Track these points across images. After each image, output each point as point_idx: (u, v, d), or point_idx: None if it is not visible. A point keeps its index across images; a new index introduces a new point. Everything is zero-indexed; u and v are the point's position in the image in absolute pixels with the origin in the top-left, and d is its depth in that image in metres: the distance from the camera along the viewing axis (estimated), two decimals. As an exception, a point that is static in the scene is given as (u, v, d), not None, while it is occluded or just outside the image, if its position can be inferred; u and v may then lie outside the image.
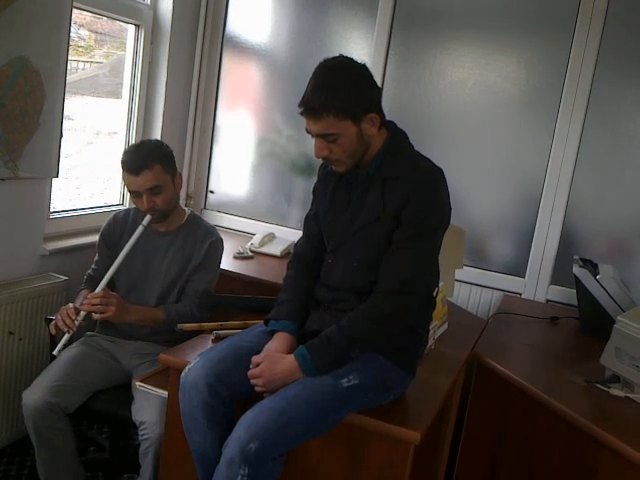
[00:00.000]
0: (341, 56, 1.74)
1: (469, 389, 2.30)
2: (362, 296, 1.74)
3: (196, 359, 1.72)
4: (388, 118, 1.80)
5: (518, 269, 3.02)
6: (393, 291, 1.69)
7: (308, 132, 1.72)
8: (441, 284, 2.14)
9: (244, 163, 3.54)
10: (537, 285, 2.97)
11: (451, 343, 2.25)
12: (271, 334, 1.79)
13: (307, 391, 1.62)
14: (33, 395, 2.03)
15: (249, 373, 1.68)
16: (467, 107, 3.06)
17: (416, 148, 1.82)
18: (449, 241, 1.92)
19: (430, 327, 1.94)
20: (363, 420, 1.65)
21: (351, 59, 1.73)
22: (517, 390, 2.02)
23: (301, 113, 1.69)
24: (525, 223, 3.01)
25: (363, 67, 1.73)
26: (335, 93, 1.65)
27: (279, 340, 1.75)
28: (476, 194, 3.09)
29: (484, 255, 3.09)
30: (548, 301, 2.96)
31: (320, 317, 1.80)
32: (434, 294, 1.88)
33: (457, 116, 3.08)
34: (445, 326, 2.38)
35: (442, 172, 1.76)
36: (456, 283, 2.79)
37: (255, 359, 1.70)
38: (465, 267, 2.80)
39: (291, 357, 1.67)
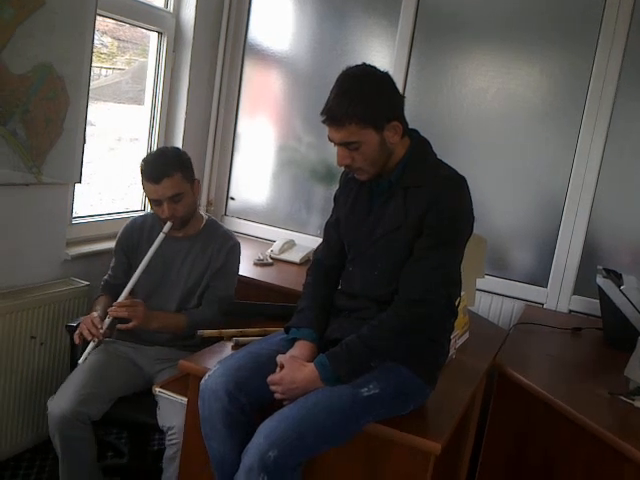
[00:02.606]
0: (364, 64, 1.73)
1: (490, 399, 2.27)
2: (383, 305, 1.73)
3: (216, 366, 1.72)
4: (410, 126, 1.79)
5: (540, 279, 2.99)
6: (414, 301, 1.67)
7: (331, 140, 1.71)
8: (463, 293, 2.12)
9: (264, 170, 3.55)
10: (559, 295, 2.94)
11: (472, 353, 2.23)
12: (292, 342, 1.79)
13: (327, 400, 1.61)
14: (59, 404, 2.03)
15: (269, 379, 1.67)
16: (489, 115, 3.05)
17: (438, 156, 1.81)
18: (471, 250, 1.90)
19: (451, 336, 1.92)
20: (382, 430, 1.64)
21: (374, 67, 1.72)
22: (539, 401, 1.99)
23: (323, 121, 1.69)
24: (547, 232, 2.98)
25: (386, 75, 1.72)
26: (357, 101, 1.64)
27: (300, 348, 1.75)
28: (498, 202, 3.06)
29: (506, 264, 3.06)
30: (571, 311, 2.93)
31: (340, 325, 1.79)
32: (456, 304, 1.86)
33: (479, 124, 3.06)
34: (466, 335, 2.35)
35: (465, 180, 1.74)
36: (477, 292, 2.76)
37: (279, 359, 1.69)
38: (487, 276, 2.78)
39: (311, 365, 1.66)
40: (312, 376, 1.64)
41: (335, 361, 1.65)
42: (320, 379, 1.64)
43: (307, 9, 3.41)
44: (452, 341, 2.02)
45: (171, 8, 3.21)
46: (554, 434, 1.98)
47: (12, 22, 2.18)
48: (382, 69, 1.73)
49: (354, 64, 1.73)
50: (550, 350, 2.44)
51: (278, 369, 1.69)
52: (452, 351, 2.10)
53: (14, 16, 2.18)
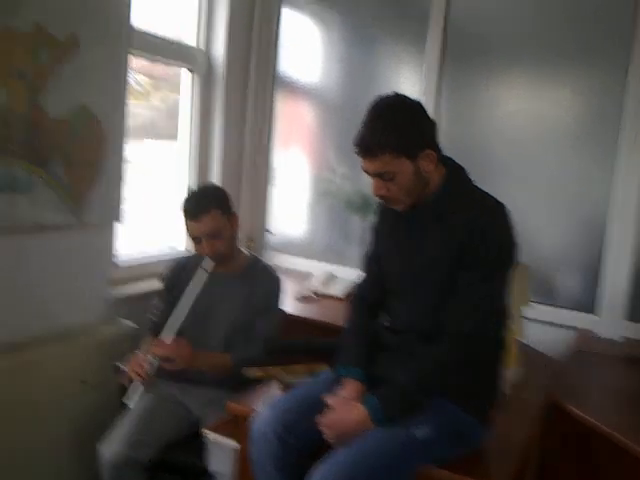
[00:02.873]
0: (395, 93, 1.71)
1: (546, 434, 2.18)
2: (429, 339, 1.67)
3: (264, 409, 1.69)
4: (443, 153, 1.75)
5: (589, 304, 2.88)
6: (461, 335, 1.63)
7: (365, 171, 1.69)
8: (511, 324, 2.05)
9: (301, 202, 3.54)
10: (611, 322, 2.82)
11: (525, 387, 2.17)
12: (339, 380, 1.74)
13: (379, 443, 1.56)
14: (111, 448, 2.02)
15: (318, 421, 1.63)
16: (523, 137, 2.99)
17: (474, 183, 1.76)
18: (513, 278, 1.83)
19: (502, 371, 1.84)
20: (438, 473, 1.58)
21: (405, 96, 1.70)
22: (599, 436, 1.90)
23: (357, 152, 1.66)
24: (591, 254, 2.87)
25: (417, 104, 1.69)
26: (390, 131, 1.61)
27: (348, 388, 1.70)
28: (536, 225, 2.98)
29: (551, 290, 2.96)
30: (624, 339, 2.81)
31: (386, 362, 1.75)
32: (504, 336, 1.79)
33: (513, 147, 3.01)
34: (518, 369, 2.27)
35: (505, 207, 1.69)
36: (525, 321, 2.67)
37: (328, 400, 1.65)
38: (532, 303, 2.69)
39: (361, 406, 1.61)
40: (362, 417, 1.60)
41: (385, 401, 1.60)
42: (370, 420, 1.59)
43: (334, 39, 3.42)
44: (504, 375, 1.94)
45: (202, 45, 3.25)
46: (617, 470, 1.89)
47: (48, 66, 2.21)
48: (412, 97, 1.71)
49: (384, 93, 1.71)
50: (606, 380, 2.34)
51: (327, 410, 1.64)
52: (504, 386, 2.02)
53: (50, 60, 2.21)
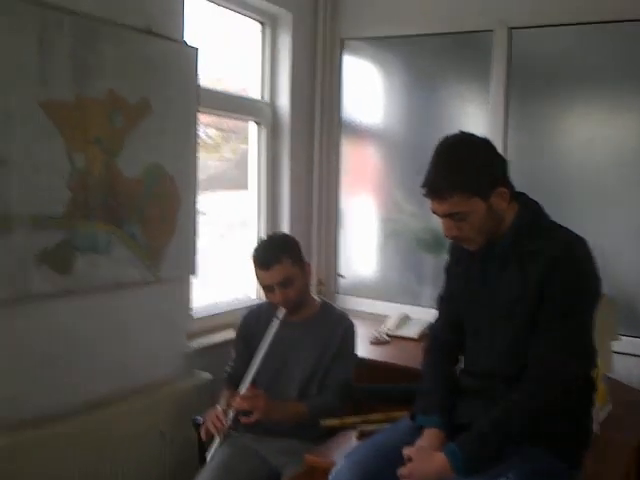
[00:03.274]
0: (461, 132, 1.69)
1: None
2: (511, 383, 1.61)
3: (342, 461, 1.66)
4: (516, 189, 1.71)
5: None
6: (546, 377, 1.56)
7: (434, 212, 1.66)
8: (598, 360, 1.95)
9: (370, 244, 3.54)
10: None
11: (617, 426, 2.05)
12: (419, 429, 1.70)
13: (462, 493, 1.50)
14: None
15: (399, 473, 1.58)
16: (599, 166, 2.91)
17: (550, 215, 1.71)
18: (600, 312, 1.75)
19: (594, 409, 1.75)
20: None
21: (472, 134, 1.68)
22: None
23: (425, 195, 1.64)
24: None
25: (485, 141, 1.67)
26: (459, 171, 1.59)
27: (428, 437, 1.66)
28: (620, 255, 2.86)
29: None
30: None
31: (468, 408, 1.69)
32: (593, 375, 1.71)
33: (589, 176, 2.93)
34: (608, 407, 2.16)
35: (585, 241, 1.63)
36: (614, 356, 2.55)
37: (406, 452, 1.61)
38: (621, 337, 2.56)
39: (441, 455, 1.56)
40: (443, 467, 1.54)
41: (467, 450, 1.54)
42: (451, 469, 1.53)
43: (396, 82, 3.45)
44: (595, 415, 1.85)
45: (267, 97, 3.34)
46: None
47: (122, 129, 2.32)
48: (479, 134, 1.68)
49: (450, 132, 1.69)
50: None
51: (406, 462, 1.59)
52: (595, 427, 1.91)
53: (124, 124, 2.33)
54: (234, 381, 2.31)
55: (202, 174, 2.83)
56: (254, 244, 2.38)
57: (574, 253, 1.60)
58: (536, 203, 1.72)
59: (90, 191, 2.20)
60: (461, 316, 1.80)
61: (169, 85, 2.50)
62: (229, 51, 3.29)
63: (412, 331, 3.06)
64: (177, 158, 2.56)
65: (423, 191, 1.64)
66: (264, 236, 2.71)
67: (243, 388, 2.16)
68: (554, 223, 1.70)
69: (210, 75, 3.03)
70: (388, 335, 3.05)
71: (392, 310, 3.28)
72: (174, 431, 2.50)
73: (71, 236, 2.15)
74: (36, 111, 2.02)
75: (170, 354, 2.64)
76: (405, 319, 3.17)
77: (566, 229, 1.67)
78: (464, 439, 1.56)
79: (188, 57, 2.59)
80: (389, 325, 3.11)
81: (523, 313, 1.61)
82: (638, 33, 2.78)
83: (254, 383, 2.22)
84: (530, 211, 1.69)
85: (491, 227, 1.64)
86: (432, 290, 3.23)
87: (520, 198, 1.71)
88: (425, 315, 3.10)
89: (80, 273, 2.19)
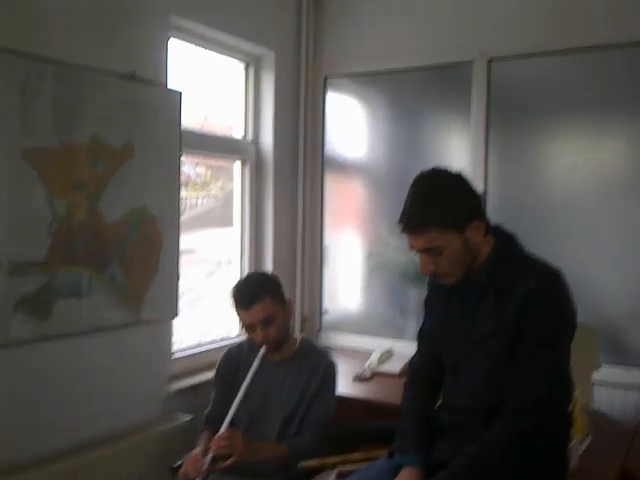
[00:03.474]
0: (435, 168, 1.72)
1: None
2: (490, 418, 1.63)
3: (320, 501, 1.66)
4: (497, 218, 1.74)
5: (664, 363, 2.74)
6: (523, 411, 1.58)
7: (411, 248, 1.69)
8: (576, 393, 1.97)
9: (355, 278, 3.55)
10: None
11: (597, 458, 2.05)
12: (397, 468, 1.70)
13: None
14: None
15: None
16: (580, 193, 2.93)
17: (533, 245, 1.75)
18: (579, 342, 1.77)
19: (572, 443, 1.77)
20: None
21: (445, 169, 1.71)
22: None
23: (402, 230, 1.67)
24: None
25: (458, 176, 1.70)
26: (434, 206, 1.62)
27: (406, 476, 1.66)
28: (603, 284, 2.88)
29: (624, 350, 2.82)
30: None
31: (447, 445, 1.70)
32: (570, 408, 1.72)
33: (572, 203, 2.94)
34: (588, 439, 2.17)
35: (559, 273, 1.65)
36: (596, 387, 2.56)
37: None
38: (603, 367, 2.57)
39: (417, 495, 1.56)
40: (420, 505, 1.55)
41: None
42: (429, 507, 1.54)
43: (379, 116, 3.50)
44: (573, 448, 1.86)
45: (250, 136, 3.38)
46: None
47: (105, 174, 2.35)
48: (456, 168, 1.72)
49: (433, 163, 1.74)
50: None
51: None
52: (574, 460, 1.92)
53: (107, 169, 2.35)
54: (213, 422, 2.30)
55: (191, 212, 2.86)
56: (234, 283, 2.38)
57: (549, 286, 1.62)
58: (511, 235, 1.75)
59: (71, 236, 2.22)
60: (440, 350, 1.82)
61: (153, 129, 2.53)
62: (214, 91, 3.35)
63: (394, 366, 3.05)
64: (160, 200, 2.58)
65: (399, 227, 1.67)
66: (244, 275, 2.71)
67: (222, 428, 2.14)
68: (529, 255, 1.72)
69: (196, 115, 3.08)
70: (370, 371, 3.04)
71: (376, 345, 3.27)
72: (152, 476, 2.47)
73: (51, 281, 2.16)
74: (17, 159, 2.06)
75: (150, 397, 2.62)
76: (388, 354, 3.16)
77: (541, 261, 1.70)
78: (441, 477, 1.57)
79: (171, 101, 2.64)
80: (372, 361, 3.10)
81: (500, 347, 1.63)
82: (615, 61, 2.84)
83: (233, 424, 2.21)
84: (505, 244, 1.72)
85: (467, 261, 1.67)
86: (416, 324, 3.19)
87: (496, 231, 1.74)
88: (409, 349, 3.05)
89: (59, 318, 2.20)
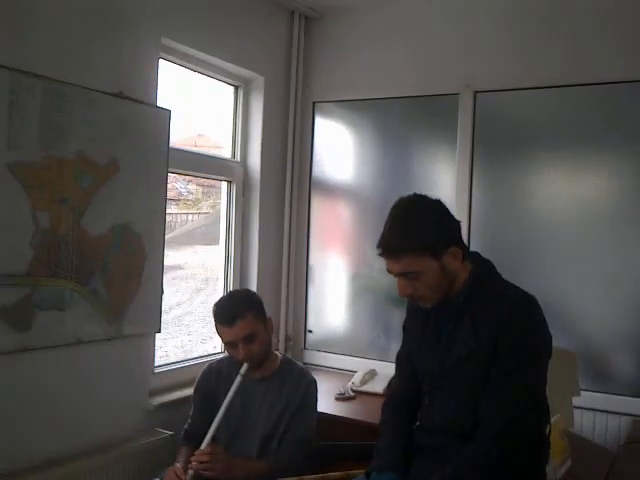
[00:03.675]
0: (414, 194, 1.75)
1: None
2: (466, 439, 1.63)
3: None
4: (481, 247, 1.77)
5: (646, 389, 2.75)
6: (498, 434, 1.58)
7: (389, 272, 1.70)
8: (557, 416, 1.97)
9: (340, 299, 3.56)
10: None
11: (576, 482, 2.04)
12: (374, 487, 1.70)
13: None
14: None
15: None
16: (563, 223, 2.96)
17: (516, 273, 1.78)
18: (560, 367, 1.79)
19: (550, 466, 1.77)
20: None
21: (424, 196, 1.73)
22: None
23: (380, 254, 1.69)
24: (642, 338, 2.77)
25: (437, 202, 1.72)
26: (411, 231, 1.64)
27: (383, 495, 1.65)
28: (584, 311, 2.90)
29: (605, 376, 2.84)
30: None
31: (423, 466, 1.70)
32: (546, 431, 1.73)
33: (554, 233, 2.97)
34: (568, 463, 2.16)
35: (534, 300, 1.68)
36: (577, 410, 2.56)
37: None
38: (584, 392, 2.58)
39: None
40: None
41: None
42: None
43: (366, 141, 3.54)
44: (552, 472, 1.86)
45: (238, 157, 3.40)
46: None
47: (90, 190, 2.36)
48: (441, 196, 1.74)
49: (418, 189, 1.77)
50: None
51: None
52: (552, 483, 1.92)
53: (92, 185, 2.36)
54: (192, 438, 2.29)
55: (181, 228, 2.87)
56: (215, 301, 2.37)
57: (524, 311, 1.64)
58: (488, 262, 1.78)
59: (54, 249, 2.23)
60: (418, 372, 1.82)
61: (140, 146, 2.55)
62: (205, 111, 3.38)
63: (378, 386, 3.05)
64: (145, 217, 2.59)
65: (377, 251, 1.69)
66: (225, 293, 2.71)
67: (203, 445, 2.13)
68: (506, 282, 1.75)
69: (187, 134, 3.10)
70: (353, 390, 3.04)
71: (360, 365, 3.27)
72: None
73: (32, 293, 2.16)
74: (3, 171, 2.06)
75: (131, 411, 2.61)
76: (371, 374, 3.17)
77: (516, 287, 1.72)
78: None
79: (160, 119, 2.65)
80: (355, 380, 3.10)
81: (476, 371, 1.64)
82: (598, 96, 2.90)
83: (213, 440, 2.19)
84: (483, 270, 1.74)
85: (444, 285, 1.69)
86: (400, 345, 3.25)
87: (473, 257, 1.76)
88: (393, 370, 3.07)
89: (40, 330, 2.19)
